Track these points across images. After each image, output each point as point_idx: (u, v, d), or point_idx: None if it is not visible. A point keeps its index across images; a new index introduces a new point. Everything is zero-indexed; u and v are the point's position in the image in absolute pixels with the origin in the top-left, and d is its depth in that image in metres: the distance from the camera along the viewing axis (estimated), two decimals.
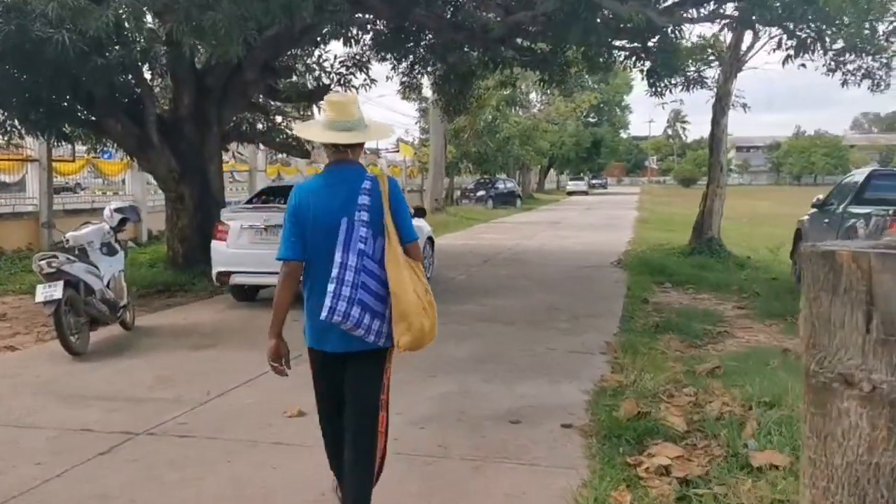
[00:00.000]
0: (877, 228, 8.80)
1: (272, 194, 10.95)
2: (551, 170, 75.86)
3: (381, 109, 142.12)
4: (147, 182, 18.10)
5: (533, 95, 50.23)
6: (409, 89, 15.28)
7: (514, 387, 6.24)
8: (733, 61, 14.83)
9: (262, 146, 14.97)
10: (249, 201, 10.76)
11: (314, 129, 3.73)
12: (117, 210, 8.26)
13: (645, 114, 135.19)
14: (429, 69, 15.24)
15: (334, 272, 3.23)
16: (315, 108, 14.78)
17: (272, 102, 14.53)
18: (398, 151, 49.52)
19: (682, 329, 8.60)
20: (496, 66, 12.64)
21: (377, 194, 3.34)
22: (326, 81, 14.46)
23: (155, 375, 6.61)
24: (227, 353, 7.57)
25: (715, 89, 15.18)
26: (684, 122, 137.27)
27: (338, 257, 3.24)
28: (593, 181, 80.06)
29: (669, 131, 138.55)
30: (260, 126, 14.73)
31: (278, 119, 15.28)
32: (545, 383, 6.37)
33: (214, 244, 10.14)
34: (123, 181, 19.25)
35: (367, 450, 3.48)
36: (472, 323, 8.97)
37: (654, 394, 5.80)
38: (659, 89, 15.29)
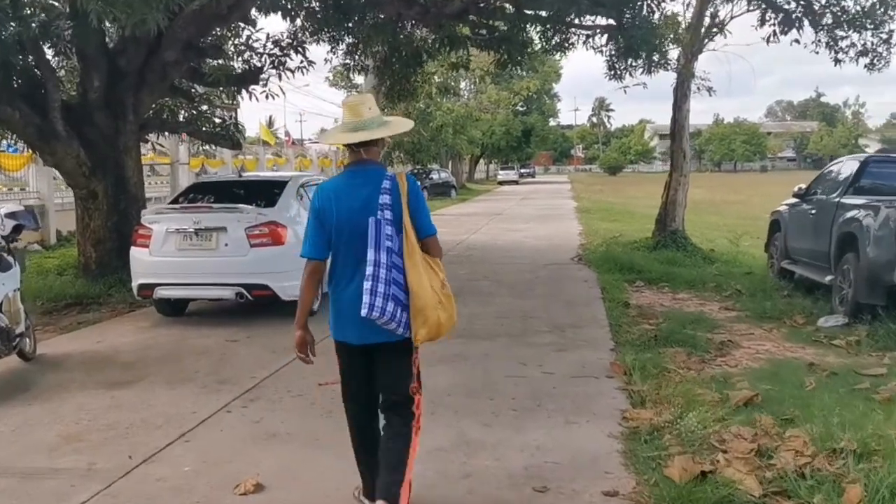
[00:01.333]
0: (889, 222, 7.89)
1: (202, 192, 9.46)
2: (481, 159, 75.07)
3: (310, 98, 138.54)
4: (54, 177, 16.23)
5: (463, 84, 49.26)
6: (351, 72, 13.84)
7: (523, 432, 5.01)
8: (695, 41, 13.91)
9: (185, 137, 13.31)
10: (175, 200, 9.24)
11: (333, 133, 3.97)
12: (9, 215, 6.69)
13: (570, 102, 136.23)
14: (371, 50, 13.85)
15: (369, 270, 3.34)
16: (245, 93, 13.24)
17: (197, 88, 12.91)
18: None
19: (682, 340, 7.57)
20: (451, 45, 11.36)
21: (396, 193, 3.46)
22: (258, 64, 12.93)
23: (59, 432, 5.13)
24: (155, 391, 6.12)
25: (676, 72, 14.23)
26: (609, 110, 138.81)
27: (371, 255, 3.36)
28: (522, 170, 79.53)
29: (594, 119, 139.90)
30: (184, 114, 13.09)
31: (204, 107, 13.65)
32: (559, 424, 5.17)
33: (134, 251, 8.63)
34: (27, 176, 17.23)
35: (405, 436, 3.54)
36: (447, 338, 7.69)
37: (701, 439, 4.67)
38: (619, 72, 14.36)
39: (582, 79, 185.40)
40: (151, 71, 11.46)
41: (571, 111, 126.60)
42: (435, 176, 41.99)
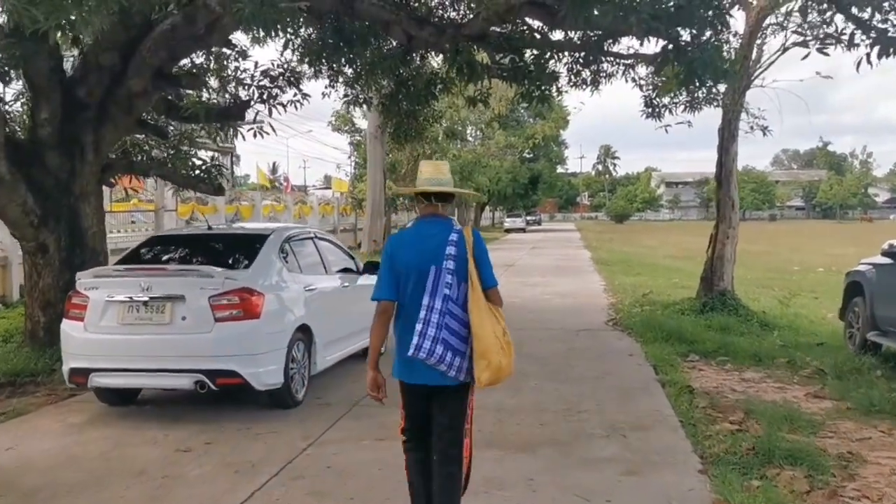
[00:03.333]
0: None
1: (161, 247, 7.60)
2: (486, 206, 73.45)
3: (312, 143, 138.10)
4: None
5: (470, 129, 47.82)
6: (351, 106, 12.06)
7: None
8: (744, 73, 12.13)
9: (159, 180, 11.52)
10: (127, 259, 7.34)
11: (410, 187, 4.57)
12: None
13: (576, 149, 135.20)
14: (376, 83, 12.09)
15: (422, 314, 3.68)
16: (231, 131, 11.44)
17: (172, 123, 11.13)
18: (329, 188, 46.22)
19: (790, 453, 5.61)
20: (469, 75, 9.58)
21: (462, 245, 3.79)
22: (245, 96, 11.17)
23: None
24: None
25: (721, 109, 12.44)
26: (614, 157, 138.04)
27: (426, 301, 3.70)
28: (529, 217, 77.89)
29: (599, 167, 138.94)
30: (157, 154, 11.28)
31: (186, 147, 11.83)
32: None
33: (65, 325, 6.76)
34: None
35: (454, 473, 3.86)
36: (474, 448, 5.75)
37: None
38: (657, 110, 12.58)
39: (588, 125, 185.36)
40: (115, 103, 9.68)
41: (577, 158, 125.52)
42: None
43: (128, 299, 6.42)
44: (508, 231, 65.43)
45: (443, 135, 36.71)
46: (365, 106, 12.00)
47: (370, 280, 9.08)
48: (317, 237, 8.37)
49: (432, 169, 4.02)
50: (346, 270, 8.84)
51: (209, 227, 7.75)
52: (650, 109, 12.58)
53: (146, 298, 6.39)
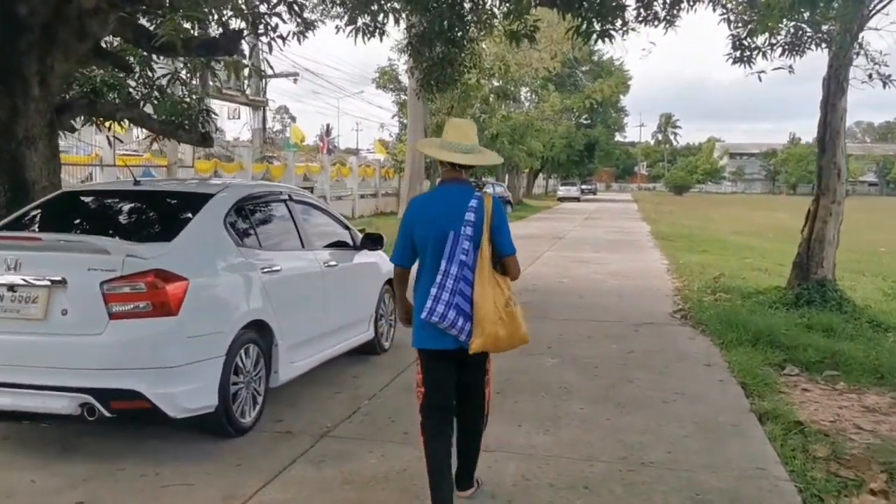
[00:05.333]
0: None
1: (68, 207, 5.57)
2: (540, 174, 70.69)
3: (358, 102, 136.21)
4: None
5: (524, 91, 45.20)
6: (364, 34, 9.85)
7: None
8: (859, 8, 9.53)
9: (127, 125, 9.53)
10: (11, 222, 5.26)
11: (433, 147, 4.09)
12: None
13: (635, 117, 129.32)
14: (404, 19, 9.90)
15: (437, 278, 3.69)
16: (217, 64, 9.38)
17: (141, 53, 9.09)
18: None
19: None
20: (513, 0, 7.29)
21: (481, 212, 3.75)
22: (235, 26, 9.06)
23: None
24: None
25: (829, 53, 9.92)
26: (675, 126, 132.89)
27: (443, 265, 3.70)
28: (584, 186, 74.87)
29: (659, 136, 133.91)
30: (127, 93, 9.26)
31: (159, 81, 9.78)
32: None
33: None
34: None
35: (478, 423, 4.14)
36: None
37: None
38: (748, 52, 10.20)
39: (648, 92, 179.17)
40: (64, 24, 7.70)
41: (637, 126, 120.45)
42: (489, 190, 37.72)
43: None
44: (561, 200, 62.75)
45: (493, 95, 34.31)
46: (378, 35, 9.77)
47: (369, 257, 7.03)
48: (293, 199, 6.26)
49: (457, 132, 3.95)
50: (337, 245, 6.78)
51: (136, 182, 5.69)
52: (739, 53, 10.21)
53: (12, 282, 4.39)
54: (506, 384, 6.53)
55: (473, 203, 3.75)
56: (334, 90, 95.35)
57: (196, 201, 5.18)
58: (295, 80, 33.80)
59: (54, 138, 8.44)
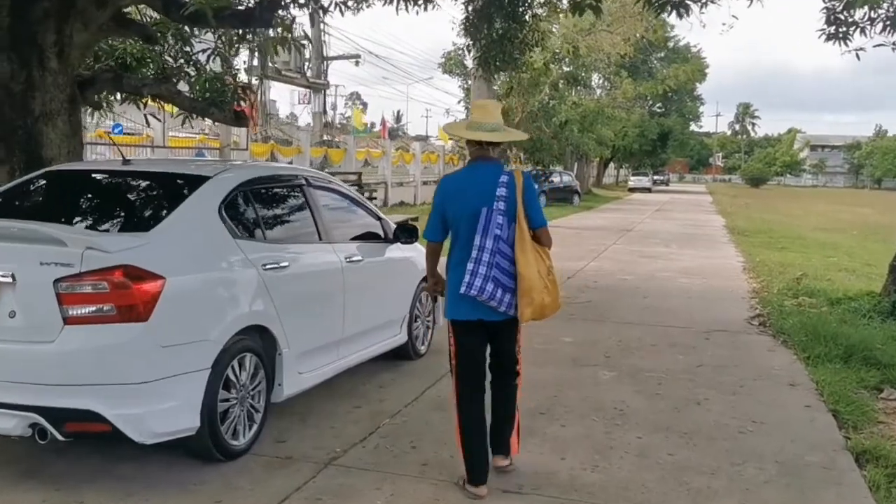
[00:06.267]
0: None
1: (46, 188, 4.89)
2: (611, 163, 68.82)
3: (429, 89, 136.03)
4: None
5: (595, 77, 43.71)
6: (408, 3, 8.98)
7: None
8: None
9: (150, 101, 8.86)
10: None
11: (460, 128, 4.36)
12: None
13: (712, 107, 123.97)
14: None
15: (473, 253, 3.82)
16: (252, 37, 8.69)
17: (176, 25, 8.44)
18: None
19: None
20: None
21: (512, 187, 3.89)
22: None
23: None
24: None
25: None
26: (754, 117, 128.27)
27: (477, 240, 3.83)
28: (656, 177, 72.62)
29: (737, 127, 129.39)
30: (157, 67, 8.63)
31: (209, 64, 9.17)
32: None
33: None
34: None
35: (513, 386, 4.21)
36: None
37: None
38: (844, 30, 9.06)
39: (726, 81, 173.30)
40: None
41: (713, 116, 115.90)
42: (556, 179, 36.58)
43: None
44: (632, 190, 60.93)
45: (562, 80, 33.08)
46: (424, 5, 8.90)
47: (403, 251, 6.23)
48: (311, 184, 5.47)
49: (482, 112, 4.13)
50: (366, 237, 5.99)
51: (125, 162, 4.99)
52: (833, 28, 9.05)
53: None
54: (552, 402, 5.66)
55: (504, 179, 3.90)
56: (404, 76, 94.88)
57: (188, 185, 4.44)
58: (357, 63, 33.24)
59: (76, 114, 7.88)
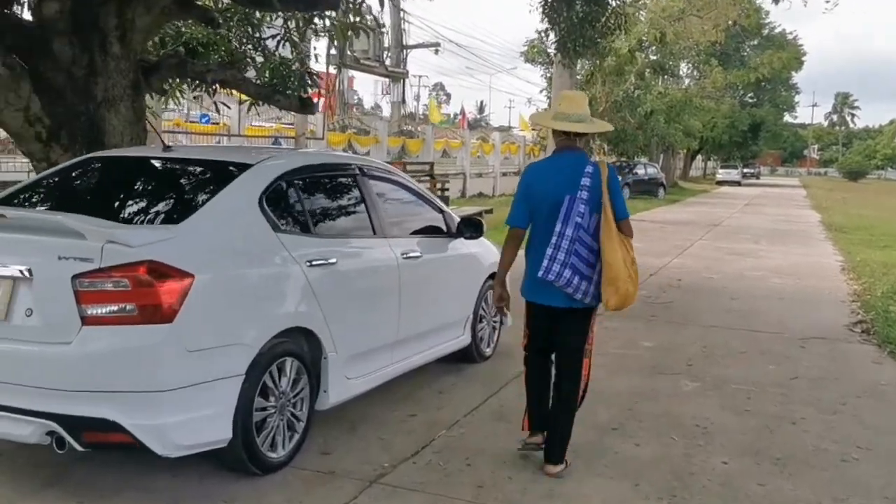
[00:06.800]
0: None
1: (83, 176, 4.63)
2: (698, 155, 66.62)
3: (512, 79, 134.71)
4: None
5: (684, 66, 42.23)
6: None
7: None
8: None
9: (218, 89, 8.66)
10: (13, 195, 4.36)
11: (547, 118, 4.54)
12: None
13: (807, 97, 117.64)
14: None
15: (553, 240, 3.88)
16: (322, 22, 8.36)
17: (238, 10, 8.17)
18: (533, 129, 42.81)
19: None
20: None
21: (597, 178, 3.95)
22: None
23: None
24: None
25: None
26: (853, 107, 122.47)
27: (558, 227, 3.89)
28: (745, 170, 69.94)
29: (834, 118, 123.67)
30: (223, 53, 8.41)
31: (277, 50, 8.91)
32: None
33: None
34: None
35: (573, 391, 4.15)
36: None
37: None
38: None
39: (823, 69, 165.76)
40: None
41: (808, 107, 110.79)
42: (640, 171, 35.43)
43: None
44: (720, 183, 58.85)
45: (648, 69, 31.96)
46: None
47: (467, 247, 5.79)
48: (366, 173, 5.07)
49: (570, 103, 4.17)
50: (426, 231, 5.57)
51: (165, 148, 4.70)
52: None
53: None
54: (626, 416, 5.13)
55: (589, 169, 3.95)
56: (487, 66, 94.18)
57: (227, 173, 4.10)
58: (436, 51, 32.80)
59: (139, 100, 7.68)
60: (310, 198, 4.52)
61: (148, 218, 3.87)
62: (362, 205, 4.87)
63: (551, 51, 29.19)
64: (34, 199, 4.24)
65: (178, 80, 8.44)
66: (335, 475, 4.04)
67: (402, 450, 4.40)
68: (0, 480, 3.88)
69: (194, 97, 10.55)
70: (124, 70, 7.26)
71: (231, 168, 4.16)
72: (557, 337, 4.15)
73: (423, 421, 4.92)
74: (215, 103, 10.25)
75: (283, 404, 3.98)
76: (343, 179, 4.88)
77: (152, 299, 3.33)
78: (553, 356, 4.26)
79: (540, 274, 3.87)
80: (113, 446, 3.50)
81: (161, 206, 4.04)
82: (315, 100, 15.06)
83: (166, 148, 4.71)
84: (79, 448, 3.37)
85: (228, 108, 11.40)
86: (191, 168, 4.45)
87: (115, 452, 4.00)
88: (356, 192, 4.88)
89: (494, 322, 6.43)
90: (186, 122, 16.79)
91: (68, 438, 3.33)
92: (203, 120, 17.68)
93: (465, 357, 6.08)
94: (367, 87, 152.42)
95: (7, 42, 6.65)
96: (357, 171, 4.97)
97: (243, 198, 3.97)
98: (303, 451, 4.20)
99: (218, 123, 17.64)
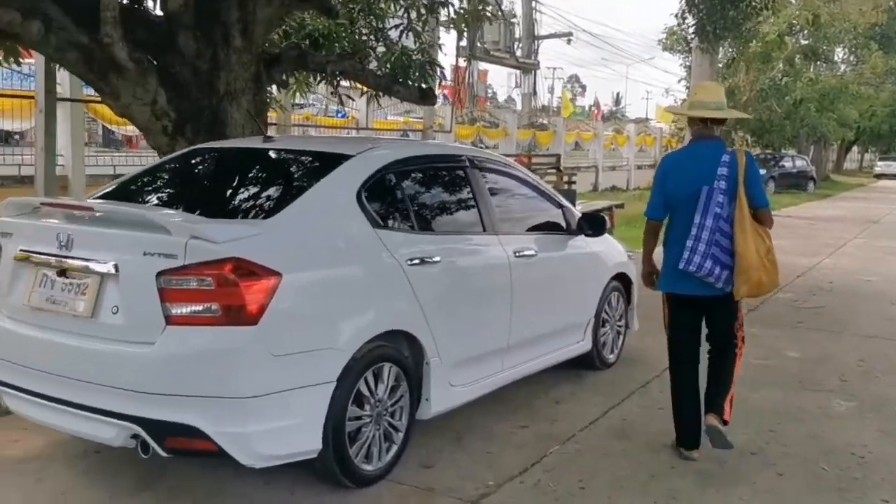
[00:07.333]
0: None
1: (187, 166, 4.50)
2: (854, 147, 62.16)
3: (650, 70, 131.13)
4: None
5: (839, 51, 39.38)
6: None
7: None
8: None
9: (342, 82, 8.53)
10: (120, 187, 4.25)
11: (683, 107, 4.68)
12: None
13: None
14: None
15: (693, 231, 3.86)
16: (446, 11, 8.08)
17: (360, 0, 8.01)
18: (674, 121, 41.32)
19: None
20: None
21: (734, 166, 3.90)
22: None
23: None
24: None
25: None
26: None
27: (697, 219, 3.86)
28: None
29: None
30: (344, 44, 8.27)
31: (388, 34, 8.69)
32: None
33: None
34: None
35: (732, 355, 4.14)
36: None
37: None
38: None
39: None
40: None
41: None
42: (787, 163, 33.30)
43: (43, 261, 3.47)
44: (878, 177, 54.60)
45: (799, 55, 29.95)
46: None
47: (589, 245, 5.35)
48: (476, 165, 4.70)
49: (706, 92, 4.22)
50: (543, 227, 5.16)
51: (266, 139, 4.51)
52: None
53: (65, 264, 3.38)
54: (768, 439, 4.54)
55: (726, 158, 3.91)
56: (623, 57, 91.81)
57: (325, 165, 3.85)
58: (569, 41, 32.06)
59: (260, 93, 7.68)
60: (413, 191, 4.21)
61: (238, 212, 3.68)
62: (471, 199, 4.52)
63: (690, 36, 27.99)
64: (132, 193, 4.14)
65: (301, 72, 8.39)
66: (433, 492, 3.72)
67: (510, 466, 4.03)
68: (99, 479, 3.81)
69: (331, 93, 10.55)
70: (246, 63, 7.22)
71: (329, 159, 3.91)
72: (709, 322, 4.16)
73: (535, 434, 4.52)
74: (339, 95, 10.19)
75: (380, 413, 3.70)
76: (451, 172, 4.55)
77: (236, 299, 3.12)
78: (698, 353, 4.23)
79: (681, 266, 3.86)
80: (196, 453, 3.32)
81: (253, 200, 3.83)
82: (441, 92, 14.83)
83: (267, 139, 4.54)
84: (162, 454, 3.21)
85: (353, 100, 11.37)
86: (287, 159, 4.25)
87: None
88: (465, 186, 4.53)
89: (619, 326, 5.94)
90: (324, 118, 17.00)
91: (151, 443, 3.17)
92: (340, 115, 17.91)
93: (586, 364, 5.62)
94: (500, 80, 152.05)
95: (136, 37, 6.71)
96: (467, 164, 4.62)
97: (341, 191, 3.71)
98: (402, 464, 3.91)
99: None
